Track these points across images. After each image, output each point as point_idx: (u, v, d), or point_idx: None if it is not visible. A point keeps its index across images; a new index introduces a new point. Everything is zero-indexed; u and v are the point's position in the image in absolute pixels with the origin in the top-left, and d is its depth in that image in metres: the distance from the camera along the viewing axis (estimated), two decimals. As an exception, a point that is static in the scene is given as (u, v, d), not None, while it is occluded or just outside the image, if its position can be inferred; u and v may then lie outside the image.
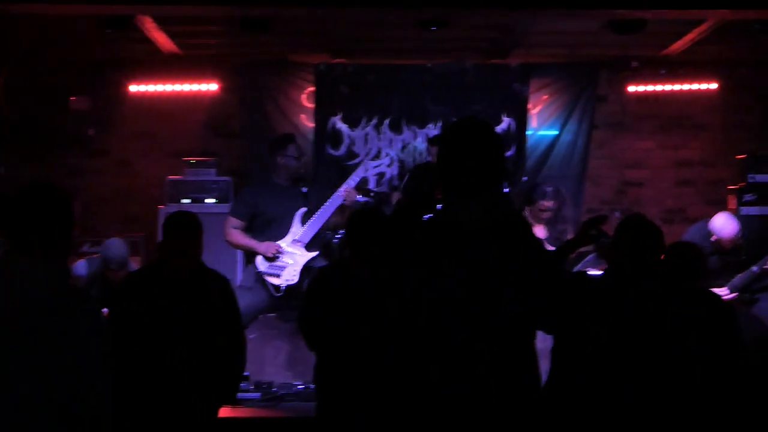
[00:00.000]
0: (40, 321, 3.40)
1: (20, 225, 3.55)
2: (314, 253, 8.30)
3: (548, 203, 9.00)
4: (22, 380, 3.36)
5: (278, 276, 8.27)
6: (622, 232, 5.23)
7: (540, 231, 8.86)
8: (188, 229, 5.86)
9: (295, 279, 8.23)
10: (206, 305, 5.81)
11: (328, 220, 8.48)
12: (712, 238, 8.46)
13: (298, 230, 8.37)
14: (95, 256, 8.83)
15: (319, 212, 8.41)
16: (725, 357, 5.39)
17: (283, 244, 8.34)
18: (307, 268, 8.25)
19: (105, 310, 5.39)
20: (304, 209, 8.42)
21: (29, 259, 3.51)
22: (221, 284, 6.01)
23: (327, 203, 8.43)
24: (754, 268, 8.27)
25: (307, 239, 8.35)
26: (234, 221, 8.47)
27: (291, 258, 8.29)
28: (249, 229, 8.48)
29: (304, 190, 8.53)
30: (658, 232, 5.28)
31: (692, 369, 5.12)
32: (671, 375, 4.96)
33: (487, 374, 3.43)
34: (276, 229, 8.40)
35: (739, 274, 8.31)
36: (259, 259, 8.37)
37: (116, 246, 8.38)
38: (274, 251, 8.26)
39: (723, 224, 8.48)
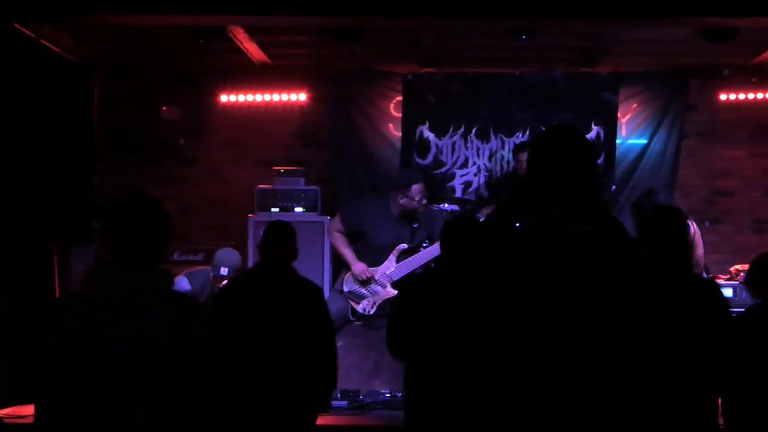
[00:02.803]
0: (152, 327, 3.48)
1: (127, 234, 3.63)
2: (395, 292, 8.33)
3: None
4: (137, 388, 3.43)
5: (357, 303, 8.41)
6: None
7: None
8: (281, 239, 6.00)
9: (371, 312, 8.37)
10: (298, 313, 5.89)
11: (421, 266, 8.55)
12: None
13: (391, 266, 8.48)
14: (198, 268, 8.98)
15: (416, 255, 8.51)
16: None
17: (375, 274, 8.47)
18: (384, 304, 8.33)
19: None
20: (404, 246, 8.53)
21: (135, 265, 3.58)
22: (314, 293, 6.09)
23: (423, 253, 8.51)
24: None
25: (396, 277, 8.45)
26: (339, 225, 8.68)
27: (375, 291, 8.42)
28: (350, 239, 8.64)
29: (415, 225, 8.62)
30: None
31: None
32: None
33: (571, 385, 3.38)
34: (372, 256, 8.55)
35: None
36: (347, 278, 8.51)
37: (232, 254, 8.57)
38: (367, 277, 8.40)
39: None
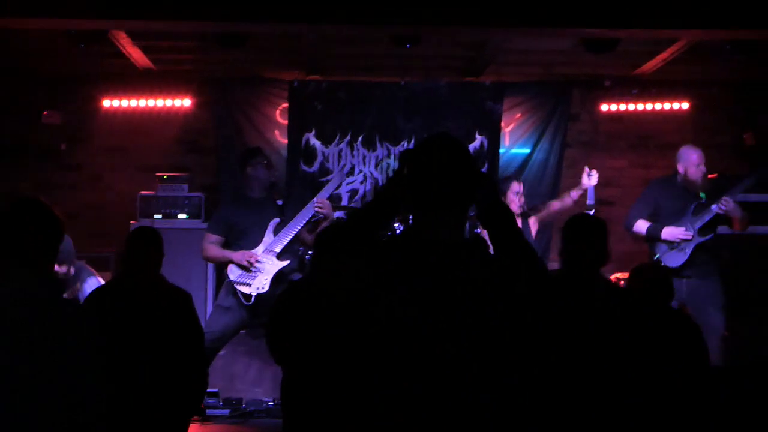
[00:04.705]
0: (37, 331, 3.41)
1: (14, 238, 3.60)
2: (285, 262, 8.22)
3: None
4: (18, 391, 3.36)
5: (248, 285, 8.17)
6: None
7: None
8: (148, 245, 5.96)
9: (266, 288, 8.13)
10: (167, 319, 5.86)
11: (300, 231, 8.40)
12: (680, 170, 8.71)
13: (269, 239, 8.31)
14: None
15: (291, 222, 8.35)
16: (691, 377, 5.45)
17: (257, 254, 8.29)
18: (277, 277, 8.18)
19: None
20: (277, 220, 8.37)
21: (22, 270, 3.53)
22: (182, 299, 6.05)
23: (300, 214, 8.40)
24: (713, 207, 8.44)
25: (278, 249, 8.29)
26: (212, 237, 8.38)
27: (262, 267, 8.21)
28: (226, 244, 8.41)
29: (280, 202, 8.53)
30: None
31: (656, 387, 5.17)
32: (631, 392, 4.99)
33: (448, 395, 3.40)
34: (249, 239, 8.31)
35: (700, 215, 8.54)
36: (230, 268, 8.27)
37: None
38: (249, 259, 8.17)
39: (686, 150, 8.73)
